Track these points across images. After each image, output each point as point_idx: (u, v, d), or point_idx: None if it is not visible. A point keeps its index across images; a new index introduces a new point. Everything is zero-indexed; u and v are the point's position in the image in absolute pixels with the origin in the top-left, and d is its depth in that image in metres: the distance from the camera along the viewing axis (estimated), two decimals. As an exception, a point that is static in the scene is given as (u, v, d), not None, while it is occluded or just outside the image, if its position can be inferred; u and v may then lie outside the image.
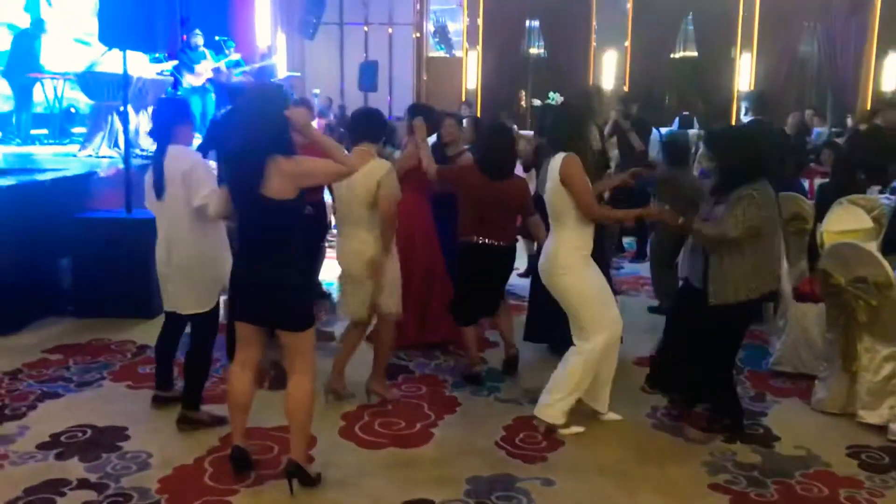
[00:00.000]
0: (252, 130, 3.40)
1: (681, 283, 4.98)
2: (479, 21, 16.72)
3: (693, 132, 11.82)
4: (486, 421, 4.42)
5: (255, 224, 3.47)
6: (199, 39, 11.13)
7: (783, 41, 16.21)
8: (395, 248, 4.47)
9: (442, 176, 5.05)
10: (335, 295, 6.80)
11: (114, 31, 6.60)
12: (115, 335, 5.76)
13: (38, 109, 10.37)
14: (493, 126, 5.44)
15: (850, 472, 3.89)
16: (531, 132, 4.98)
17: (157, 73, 9.87)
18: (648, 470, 3.90)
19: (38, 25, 10.15)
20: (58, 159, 8.41)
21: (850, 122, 12.91)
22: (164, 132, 4.13)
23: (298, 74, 14.86)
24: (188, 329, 4.35)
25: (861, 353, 4.41)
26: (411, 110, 5.45)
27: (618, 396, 4.47)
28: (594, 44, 16.60)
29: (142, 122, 8.98)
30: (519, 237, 5.32)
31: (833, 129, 12.68)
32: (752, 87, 15.35)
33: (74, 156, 8.80)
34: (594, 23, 16.54)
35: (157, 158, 4.10)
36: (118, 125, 8.65)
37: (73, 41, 11.21)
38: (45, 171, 7.10)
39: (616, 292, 5.31)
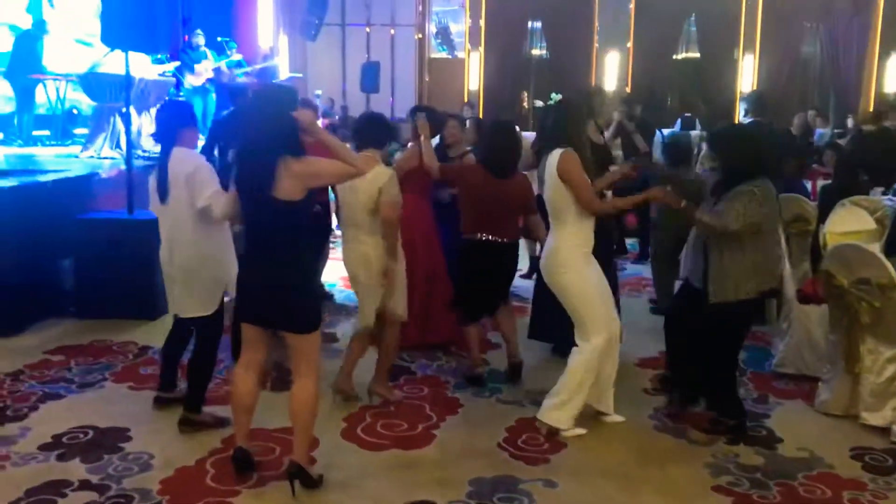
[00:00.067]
0: (262, 131, 3.39)
1: (679, 283, 4.97)
2: (482, 22, 16.73)
3: (695, 133, 11.82)
4: (488, 422, 4.42)
5: (262, 225, 3.46)
6: (200, 39, 11.14)
7: (785, 42, 16.21)
8: (401, 253, 4.48)
9: (445, 173, 5.05)
10: (337, 296, 6.86)
11: (116, 32, 6.61)
12: (116, 336, 5.76)
13: (41, 111, 10.39)
14: (496, 124, 5.41)
15: (854, 474, 3.88)
16: (532, 133, 4.96)
17: (160, 74, 9.88)
18: (651, 472, 3.89)
19: (40, 26, 10.16)
20: (60, 160, 8.41)
21: (850, 122, 12.90)
22: (168, 135, 4.13)
23: (300, 75, 14.86)
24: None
25: (864, 354, 4.41)
26: (413, 112, 5.47)
27: (620, 398, 4.46)
28: (596, 45, 16.60)
29: (144, 123, 8.98)
30: (521, 238, 5.31)
31: (835, 131, 12.67)
32: (755, 88, 15.34)
33: (76, 157, 8.80)
34: (596, 24, 16.55)
35: (162, 161, 4.10)
36: (120, 126, 8.65)
37: (75, 42, 11.22)
38: (47, 172, 7.11)
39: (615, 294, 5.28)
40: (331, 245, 6.87)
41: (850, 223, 5.34)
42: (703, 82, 16.74)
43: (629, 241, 9.00)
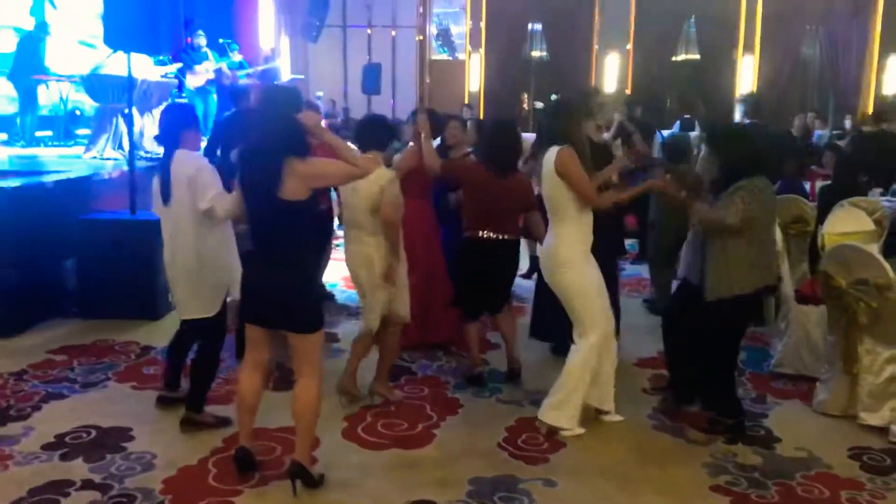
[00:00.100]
0: (269, 132, 3.41)
1: (677, 282, 4.98)
2: (482, 24, 16.75)
3: (694, 135, 11.82)
4: (488, 422, 4.42)
5: (267, 225, 3.47)
6: (201, 40, 11.15)
7: (785, 43, 16.21)
8: (403, 254, 4.49)
9: (447, 170, 5.04)
10: (338, 297, 6.87)
11: (118, 34, 6.62)
12: (119, 336, 5.78)
13: (43, 112, 10.41)
14: (497, 122, 5.42)
15: (852, 474, 3.89)
16: (532, 135, 4.96)
17: (162, 76, 9.89)
18: (650, 471, 3.90)
19: (42, 28, 10.18)
20: (62, 161, 8.43)
21: (848, 123, 12.91)
22: (170, 137, 4.14)
23: (302, 77, 14.87)
24: None
25: (862, 355, 4.41)
26: (413, 115, 5.47)
27: (619, 398, 4.47)
28: (596, 46, 16.61)
29: (146, 124, 8.99)
30: (521, 237, 5.30)
31: (834, 132, 12.68)
32: (755, 90, 15.35)
33: (79, 158, 8.82)
34: (596, 25, 16.55)
35: (164, 163, 4.11)
36: (123, 127, 8.67)
37: (78, 43, 11.25)
38: (49, 172, 7.12)
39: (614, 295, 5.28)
40: (333, 245, 6.88)
41: (848, 224, 5.35)
42: (703, 84, 16.74)
43: (628, 242, 9.00)
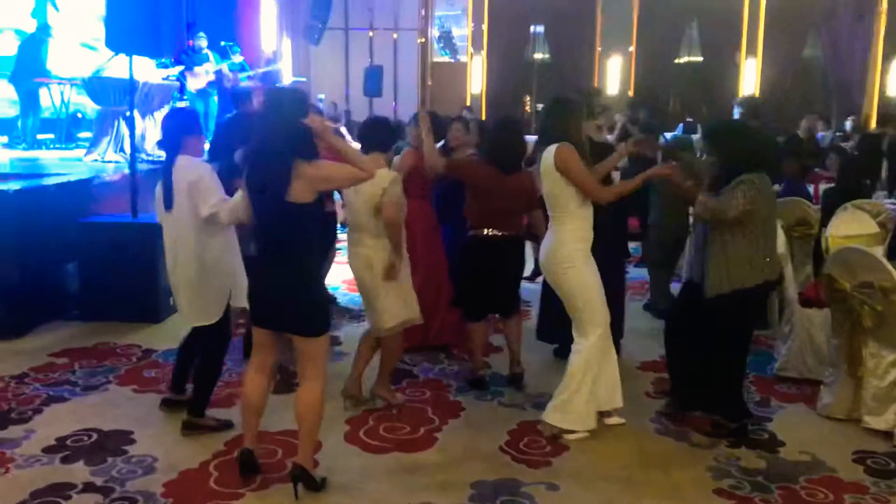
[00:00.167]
0: (277, 134, 3.40)
1: (682, 283, 4.97)
2: (484, 26, 16.76)
3: (697, 137, 11.82)
4: (490, 426, 4.42)
5: (273, 228, 3.46)
6: (202, 42, 11.16)
7: (788, 46, 16.21)
8: (406, 255, 4.49)
9: (451, 168, 5.02)
10: (340, 300, 6.87)
11: (120, 37, 6.63)
12: (120, 339, 5.78)
13: (45, 114, 10.42)
14: (501, 120, 5.40)
15: (856, 478, 3.88)
16: (534, 137, 4.94)
17: (163, 78, 9.91)
18: (653, 475, 3.89)
19: (44, 30, 10.20)
20: (64, 164, 8.45)
21: (849, 125, 12.91)
22: (173, 143, 4.13)
23: (304, 79, 14.91)
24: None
25: (866, 358, 4.41)
26: (415, 118, 5.45)
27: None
28: (599, 49, 16.62)
29: (147, 126, 9.01)
30: (526, 239, 5.29)
31: (837, 134, 12.68)
32: (757, 92, 15.34)
33: (80, 160, 8.83)
34: (599, 27, 16.56)
35: (166, 169, 4.11)
36: (124, 130, 8.68)
37: (80, 46, 11.27)
38: (51, 175, 7.13)
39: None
40: (336, 249, 6.87)
41: (852, 227, 5.35)
42: (706, 86, 16.74)
43: (631, 245, 8.99)
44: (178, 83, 10.37)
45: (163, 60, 9.84)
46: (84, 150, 9.22)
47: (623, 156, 4.75)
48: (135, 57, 6.76)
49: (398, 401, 4.66)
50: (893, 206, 6.20)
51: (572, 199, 4.18)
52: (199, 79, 10.95)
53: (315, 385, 3.53)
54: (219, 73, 11.23)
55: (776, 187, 5.80)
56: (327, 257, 6.40)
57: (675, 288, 6.63)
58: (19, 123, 10.18)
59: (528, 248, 5.94)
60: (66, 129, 10.54)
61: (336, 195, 5.90)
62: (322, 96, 14.97)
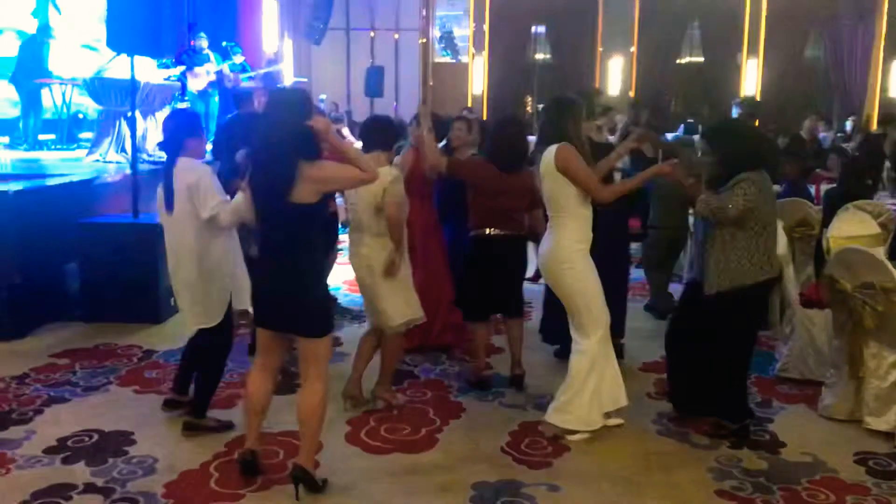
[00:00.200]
0: (281, 135, 3.39)
1: (684, 284, 4.97)
2: (485, 27, 16.77)
3: (698, 138, 11.81)
4: (491, 426, 4.42)
5: (276, 229, 3.46)
6: (203, 42, 11.16)
7: (790, 46, 16.22)
8: (406, 256, 4.48)
9: (452, 168, 4.97)
10: (341, 300, 6.87)
11: (121, 37, 6.64)
12: (121, 340, 5.78)
13: (46, 115, 10.43)
14: (503, 119, 5.37)
15: (857, 479, 3.88)
16: (533, 138, 4.93)
17: (165, 79, 9.92)
18: (654, 476, 3.89)
19: (45, 31, 10.21)
20: (65, 164, 8.46)
21: (849, 126, 12.90)
22: (174, 144, 4.13)
23: (305, 80, 14.91)
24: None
25: (868, 359, 4.40)
26: (417, 119, 5.44)
27: (623, 402, 4.46)
28: (600, 49, 16.63)
29: (149, 127, 9.01)
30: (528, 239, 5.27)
31: (838, 134, 12.68)
32: (759, 93, 15.34)
33: (81, 161, 8.83)
34: (600, 28, 16.56)
35: (167, 171, 4.10)
36: (125, 130, 8.69)
37: (81, 47, 11.28)
38: (52, 176, 7.14)
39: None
40: (337, 249, 6.86)
41: (853, 227, 5.33)
42: (707, 86, 16.74)
43: (633, 246, 8.98)
44: (179, 84, 10.38)
45: (164, 61, 9.84)
46: (85, 151, 9.23)
47: (624, 154, 4.73)
48: (136, 57, 6.77)
49: (399, 402, 4.66)
50: (895, 207, 6.18)
51: (572, 200, 4.18)
52: (199, 79, 10.95)
53: (317, 386, 3.53)
54: (220, 73, 11.23)
55: (777, 188, 5.79)
56: (329, 257, 6.39)
57: (674, 289, 6.67)
58: (21, 124, 10.19)
59: (531, 248, 5.93)
60: (68, 129, 10.56)
61: (338, 197, 5.90)
62: (323, 97, 14.96)
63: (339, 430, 4.28)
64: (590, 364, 4.22)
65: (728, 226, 4.04)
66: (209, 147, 6.10)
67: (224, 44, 11.81)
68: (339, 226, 6.47)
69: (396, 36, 17.82)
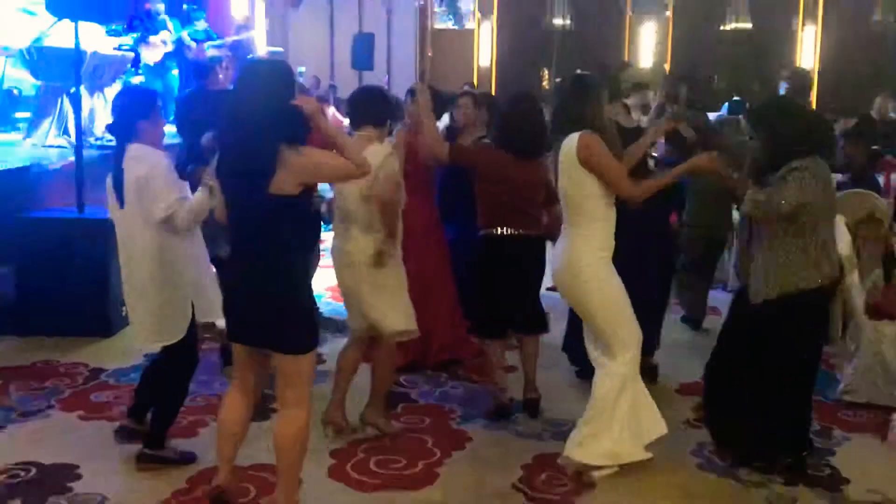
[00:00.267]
0: (258, 114, 3.35)
1: (733, 293, 4.97)
2: (494, -13, 16.80)
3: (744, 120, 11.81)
4: (501, 459, 4.43)
5: (251, 224, 3.44)
6: (160, 6, 11.16)
7: (854, 9, 16.22)
8: (399, 257, 4.48)
9: (456, 156, 4.95)
10: (324, 309, 6.88)
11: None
12: (64, 356, 5.79)
13: (-25, 91, 10.44)
14: (516, 95, 5.31)
15: (934, 522, 3.89)
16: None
17: (115, 48, 9.92)
18: (694, 518, 3.90)
19: (-26, -7, 10.22)
20: (-2, 149, 8.46)
21: None
22: (125, 128, 4.11)
23: (281, 50, 14.94)
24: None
25: (949, 380, 4.41)
26: (412, 93, 5.40)
27: (658, 430, 4.47)
28: (630, 13, 16.66)
29: (97, 105, 9.02)
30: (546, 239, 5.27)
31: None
32: (818, 64, 15.35)
33: (17, 146, 8.84)
34: (630, -12, 16.60)
35: (117, 159, 4.08)
36: (69, 109, 8.69)
37: (17, 11, 11.28)
38: (-19, 163, 7.16)
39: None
40: (321, 250, 6.86)
41: (931, 224, 5.34)
42: (756, 58, 16.74)
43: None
44: (131, 54, 10.38)
45: (114, 27, 9.84)
46: (22, 134, 9.24)
47: (656, 139, 4.72)
48: (81, 23, 6.77)
49: (392, 429, 4.67)
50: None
51: (595, 200, 4.17)
52: (155, 49, 10.94)
53: (297, 412, 3.51)
54: (179, 42, 11.24)
55: (838, 177, 5.79)
56: (311, 258, 6.40)
57: (713, 297, 6.69)
58: (-55, 102, 10.21)
59: (550, 250, 5.94)
60: (1, 108, 10.56)
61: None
62: (302, 70, 14.94)
63: (322, 462, 4.29)
64: (619, 387, 4.21)
65: (777, 223, 4.03)
66: (170, 129, 6.10)
67: (185, 7, 11.82)
68: (322, 223, 6.48)
69: (389, -2, 17.86)
